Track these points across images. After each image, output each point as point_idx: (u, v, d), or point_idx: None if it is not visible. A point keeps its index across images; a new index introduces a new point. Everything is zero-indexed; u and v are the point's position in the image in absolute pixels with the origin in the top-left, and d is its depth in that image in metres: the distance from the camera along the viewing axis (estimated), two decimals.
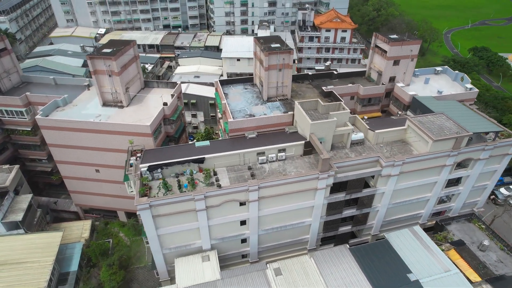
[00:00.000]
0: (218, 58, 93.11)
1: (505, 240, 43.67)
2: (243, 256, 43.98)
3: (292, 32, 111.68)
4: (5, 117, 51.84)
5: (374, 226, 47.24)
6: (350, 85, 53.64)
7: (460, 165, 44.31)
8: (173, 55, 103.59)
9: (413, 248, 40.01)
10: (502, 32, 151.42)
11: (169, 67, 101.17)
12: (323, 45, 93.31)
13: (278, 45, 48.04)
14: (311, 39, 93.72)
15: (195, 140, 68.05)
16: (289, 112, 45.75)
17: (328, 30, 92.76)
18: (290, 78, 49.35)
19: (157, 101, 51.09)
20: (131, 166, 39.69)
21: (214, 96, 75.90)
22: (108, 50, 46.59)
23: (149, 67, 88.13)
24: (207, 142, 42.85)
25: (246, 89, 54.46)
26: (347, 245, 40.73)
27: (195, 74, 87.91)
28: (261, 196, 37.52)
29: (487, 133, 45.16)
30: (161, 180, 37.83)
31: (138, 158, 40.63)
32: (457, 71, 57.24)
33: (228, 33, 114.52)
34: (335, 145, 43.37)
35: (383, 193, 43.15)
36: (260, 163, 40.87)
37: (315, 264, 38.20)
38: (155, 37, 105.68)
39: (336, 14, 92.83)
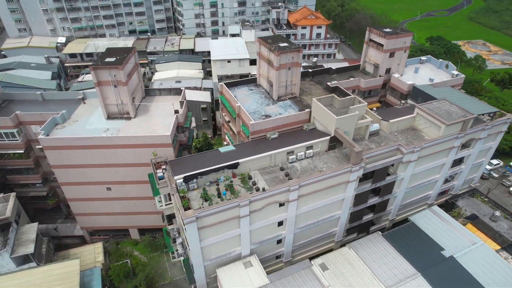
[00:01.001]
0: (197, 61, 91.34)
1: (508, 209, 48.26)
2: (277, 257, 43.88)
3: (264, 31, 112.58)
4: None
5: (392, 212, 49.59)
6: (352, 79, 55.61)
7: (464, 145, 48.06)
8: (146, 61, 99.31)
9: (438, 226, 42.74)
10: (446, 22, 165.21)
11: (143, 74, 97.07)
12: (300, 42, 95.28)
13: (286, 44, 48.35)
14: (287, 36, 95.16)
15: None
16: (306, 110, 46.33)
17: (304, 27, 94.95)
18: (299, 76, 49.95)
19: (164, 109, 49.02)
20: (160, 179, 37.78)
21: (205, 100, 74.73)
22: (111, 59, 43.68)
23: None
24: (232, 147, 42.04)
25: (251, 90, 54.13)
26: (380, 232, 42.42)
27: (175, 79, 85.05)
28: (300, 194, 37.74)
29: (482, 114, 49.40)
30: (196, 190, 36.55)
31: (164, 171, 38.83)
32: (441, 60, 61.77)
33: (199, 35, 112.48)
34: (354, 138, 44.78)
35: (402, 179, 45.45)
36: (290, 162, 40.99)
37: (356, 254, 39.36)
38: (125, 44, 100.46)
39: (310, 11, 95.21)
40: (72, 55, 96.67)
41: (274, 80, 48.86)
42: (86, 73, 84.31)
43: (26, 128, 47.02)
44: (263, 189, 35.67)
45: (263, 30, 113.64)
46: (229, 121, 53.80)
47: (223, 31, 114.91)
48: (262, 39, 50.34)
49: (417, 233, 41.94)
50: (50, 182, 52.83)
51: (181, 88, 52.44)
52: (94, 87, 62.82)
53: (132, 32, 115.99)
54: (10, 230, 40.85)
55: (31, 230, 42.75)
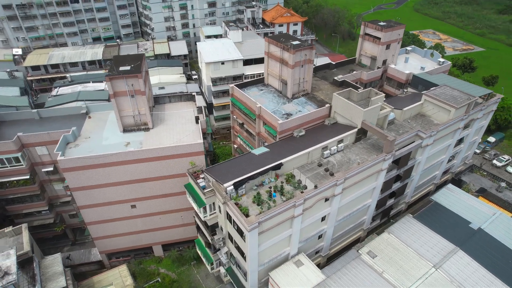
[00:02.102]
0: (177, 65, 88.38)
1: (505, 179, 53.47)
2: (317, 252, 44.38)
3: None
4: None
5: (408, 195, 52.56)
6: (355, 72, 57.63)
7: (465, 126, 52.29)
8: None
9: (458, 202, 46.13)
10: (396, 14, 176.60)
11: None
12: None
13: (298, 42, 48.76)
14: (266, 35, 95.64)
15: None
16: (326, 105, 47.23)
17: (281, 25, 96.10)
18: (311, 73, 50.69)
19: (179, 117, 47.00)
20: (204, 189, 36.26)
21: (201, 105, 72.53)
22: (126, 68, 40.84)
23: (104, 85, 78.60)
24: (264, 148, 41.62)
25: (261, 90, 53.84)
26: (410, 215, 44.73)
27: (158, 86, 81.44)
28: (344, 187, 38.54)
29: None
30: (244, 195, 35.74)
31: (203, 179, 37.37)
32: (425, 49, 66.25)
33: (170, 38, 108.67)
34: None
35: (419, 163, 48.31)
36: (325, 157, 41.61)
37: (397, 238, 41.17)
38: (95, 52, 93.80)
39: (285, 9, 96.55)
40: (35, 68, 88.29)
41: (289, 78, 49.07)
42: (60, 86, 77.52)
43: (29, 150, 42.25)
44: (315, 186, 35.86)
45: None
46: (242, 123, 53.04)
47: (194, 33, 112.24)
48: (272, 38, 50.26)
49: (442, 211, 44.89)
50: (56, 207, 48.12)
51: (193, 94, 50.61)
52: (71, 101, 59.42)
53: (96, 39, 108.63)
54: (34, 265, 36.61)
55: (55, 262, 38.72)
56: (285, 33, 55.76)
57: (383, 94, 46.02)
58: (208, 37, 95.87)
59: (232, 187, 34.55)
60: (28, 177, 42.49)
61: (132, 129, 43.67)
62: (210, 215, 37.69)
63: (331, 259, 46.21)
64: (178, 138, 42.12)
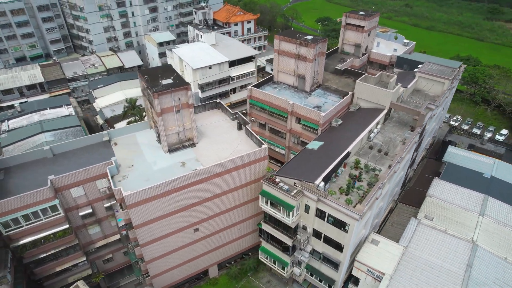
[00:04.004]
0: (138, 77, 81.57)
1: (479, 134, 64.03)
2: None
3: (181, 35, 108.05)
4: (22, 226, 33.11)
5: (415, 162, 59.12)
6: (348, 60, 61.71)
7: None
8: (68, 91, 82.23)
9: (464, 159, 53.77)
10: (312, 6, 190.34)
11: (81, 103, 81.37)
12: (235, 38, 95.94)
13: (311, 36, 50.22)
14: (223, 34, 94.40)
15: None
16: (349, 93, 50.02)
17: (236, 24, 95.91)
18: (323, 65, 52.83)
19: (214, 126, 44.50)
20: (286, 191, 35.58)
21: None
22: (168, 81, 36.99)
23: (68, 110, 68.69)
24: (319, 142, 42.49)
25: (275, 88, 54.08)
26: (437, 178, 50.59)
27: (126, 101, 74.55)
28: (400, 163, 41.92)
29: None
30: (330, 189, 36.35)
31: (278, 183, 36.66)
32: (388, 32, 74.27)
33: (112, 50, 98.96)
34: None
35: (426, 131, 54.84)
36: (371, 140, 44.42)
37: (439, 198, 46.40)
38: (32, 74, 79.99)
39: (237, 8, 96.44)
40: None
41: (308, 72, 50.44)
42: (9, 118, 64.69)
43: (62, 195, 35.27)
44: (389, 166, 38.32)
45: (178, 34, 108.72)
46: (264, 124, 52.58)
47: (138, 42, 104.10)
48: (284, 35, 50.81)
49: (457, 169, 51.85)
50: (90, 255, 41.15)
51: (217, 100, 48.15)
52: (36, 134, 52.66)
53: (20, 59, 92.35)
54: None
55: None
56: (289, 30, 56.56)
57: (396, 76, 50.82)
58: (160, 44, 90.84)
59: (323, 183, 34.80)
60: (67, 226, 35.48)
61: (177, 148, 39.90)
62: (295, 217, 37.17)
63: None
64: (233, 148, 40.09)
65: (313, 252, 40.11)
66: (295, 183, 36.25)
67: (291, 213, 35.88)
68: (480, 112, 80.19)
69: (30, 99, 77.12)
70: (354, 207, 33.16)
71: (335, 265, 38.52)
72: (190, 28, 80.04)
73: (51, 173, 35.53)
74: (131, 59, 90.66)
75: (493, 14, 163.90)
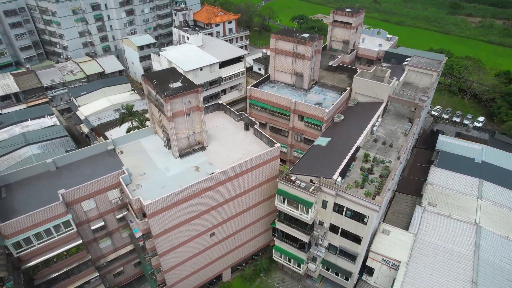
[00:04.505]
0: (123, 82, 79.13)
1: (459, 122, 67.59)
2: None
3: (159, 37, 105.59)
4: (34, 245, 31.03)
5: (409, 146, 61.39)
6: (339, 57, 62.96)
7: None
8: (46, 100, 78.02)
9: (454, 146, 56.52)
10: (285, 4, 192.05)
11: (62, 113, 77.86)
12: (218, 39, 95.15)
13: (307, 34, 50.78)
14: None
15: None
16: (347, 89, 51.10)
17: (217, 25, 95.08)
18: (319, 62, 53.59)
19: (221, 128, 43.93)
20: (304, 188, 35.85)
21: None
22: (178, 84, 36.04)
23: (52, 120, 65.43)
24: (327, 138, 43.12)
25: (273, 87, 54.26)
26: (433, 165, 52.78)
27: (113, 108, 71.98)
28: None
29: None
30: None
31: (295, 181, 36.89)
32: (372, 28, 76.50)
33: (88, 55, 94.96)
34: None
35: (419, 121, 57.11)
36: (374, 133, 45.69)
37: (439, 186, 48.51)
38: (5, 84, 75.01)
39: (217, 8, 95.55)
40: None
41: (306, 70, 51.02)
42: None
43: (74, 209, 33.46)
44: (398, 158, 39.58)
45: (156, 37, 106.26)
46: (265, 123, 52.57)
47: (115, 46, 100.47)
48: (281, 33, 51.01)
49: (450, 156, 54.39)
50: (101, 269, 39.32)
51: (219, 102, 47.52)
52: (21, 147, 51.81)
53: None
54: None
55: None
56: (287, 28, 56.81)
57: (389, 70, 52.54)
58: (141, 47, 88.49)
59: (340, 178, 35.39)
60: (80, 241, 33.70)
61: (187, 152, 39.01)
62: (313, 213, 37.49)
63: None
64: (243, 149, 39.79)
65: (329, 247, 40.66)
66: (311, 180, 36.61)
67: (310, 210, 36.17)
68: (458, 101, 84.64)
69: (4, 110, 72.57)
70: (373, 199, 33.99)
71: (352, 257, 39.26)
72: (175, 30, 78.36)
73: (57, 187, 33.62)
74: (111, 64, 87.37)
75: (454, 9, 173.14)
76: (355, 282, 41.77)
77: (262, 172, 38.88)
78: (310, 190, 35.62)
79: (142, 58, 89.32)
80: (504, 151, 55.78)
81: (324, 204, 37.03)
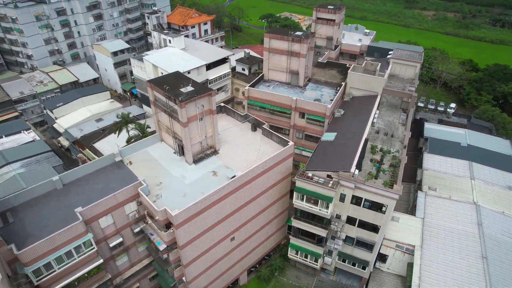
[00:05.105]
0: (101, 91, 75.47)
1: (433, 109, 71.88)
2: None
3: (130, 42, 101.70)
4: (55, 270, 28.68)
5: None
6: (326, 53, 64.30)
7: None
8: (16, 114, 72.34)
9: (440, 132, 59.99)
10: (251, 4, 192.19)
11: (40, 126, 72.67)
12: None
13: (300, 32, 51.35)
14: None
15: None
16: (342, 84, 52.39)
17: (193, 26, 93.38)
18: (312, 60, 54.43)
19: (229, 131, 43.31)
20: (323, 184, 36.37)
21: None
22: (190, 89, 34.96)
23: (30, 135, 60.97)
24: (333, 133, 43.95)
25: (268, 86, 54.34)
26: (426, 152, 55.57)
27: (94, 118, 68.49)
28: None
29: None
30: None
31: (312, 177, 37.35)
32: (349, 24, 78.95)
33: (56, 64, 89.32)
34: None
35: (413, 110, 59.83)
36: (375, 125, 47.29)
37: (434, 171, 51.25)
38: None
39: (191, 10, 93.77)
40: None
41: (301, 68, 51.64)
42: None
43: (91, 227, 31.40)
44: (405, 147, 41.26)
45: (128, 41, 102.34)
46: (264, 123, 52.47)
47: (85, 53, 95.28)
48: (273, 32, 51.14)
49: (439, 142, 57.53)
50: (119, 286, 37.29)
51: (221, 104, 46.75)
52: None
53: None
54: None
55: None
56: (278, 27, 56.89)
57: (380, 64, 54.54)
58: (114, 53, 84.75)
59: (357, 170, 36.28)
60: (101, 261, 31.70)
61: (201, 158, 38.05)
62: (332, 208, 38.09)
63: None
64: (256, 150, 39.56)
65: (346, 238, 41.56)
66: (328, 175, 37.18)
67: (330, 205, 36.75)
68: (430, 90, 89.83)
69: None
70: (391, 188, 35.26)
71: (369, 246, 40.41)
72: (154, 33, 75.71)
73: (68, 205, 31.46)
74: (85, 72, 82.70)
75: (409, 3, 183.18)
76: (371, 270, 43.06)
77: (278, 171, 38.91)
78: (330, 185, 36.20)
79: (117, 65, 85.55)
80: (483, 133, 60.16)
81: (342, 198, 37.77)
